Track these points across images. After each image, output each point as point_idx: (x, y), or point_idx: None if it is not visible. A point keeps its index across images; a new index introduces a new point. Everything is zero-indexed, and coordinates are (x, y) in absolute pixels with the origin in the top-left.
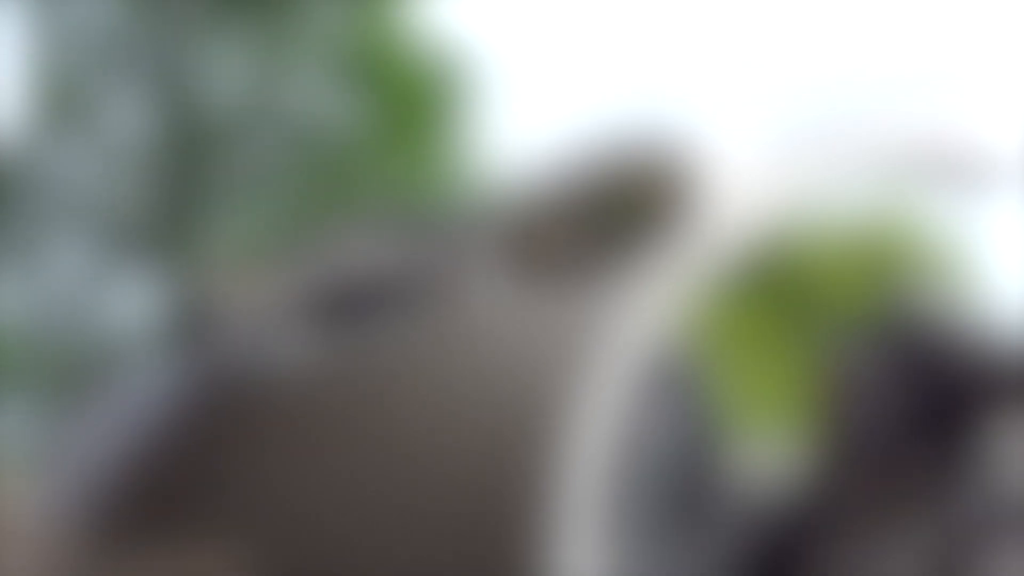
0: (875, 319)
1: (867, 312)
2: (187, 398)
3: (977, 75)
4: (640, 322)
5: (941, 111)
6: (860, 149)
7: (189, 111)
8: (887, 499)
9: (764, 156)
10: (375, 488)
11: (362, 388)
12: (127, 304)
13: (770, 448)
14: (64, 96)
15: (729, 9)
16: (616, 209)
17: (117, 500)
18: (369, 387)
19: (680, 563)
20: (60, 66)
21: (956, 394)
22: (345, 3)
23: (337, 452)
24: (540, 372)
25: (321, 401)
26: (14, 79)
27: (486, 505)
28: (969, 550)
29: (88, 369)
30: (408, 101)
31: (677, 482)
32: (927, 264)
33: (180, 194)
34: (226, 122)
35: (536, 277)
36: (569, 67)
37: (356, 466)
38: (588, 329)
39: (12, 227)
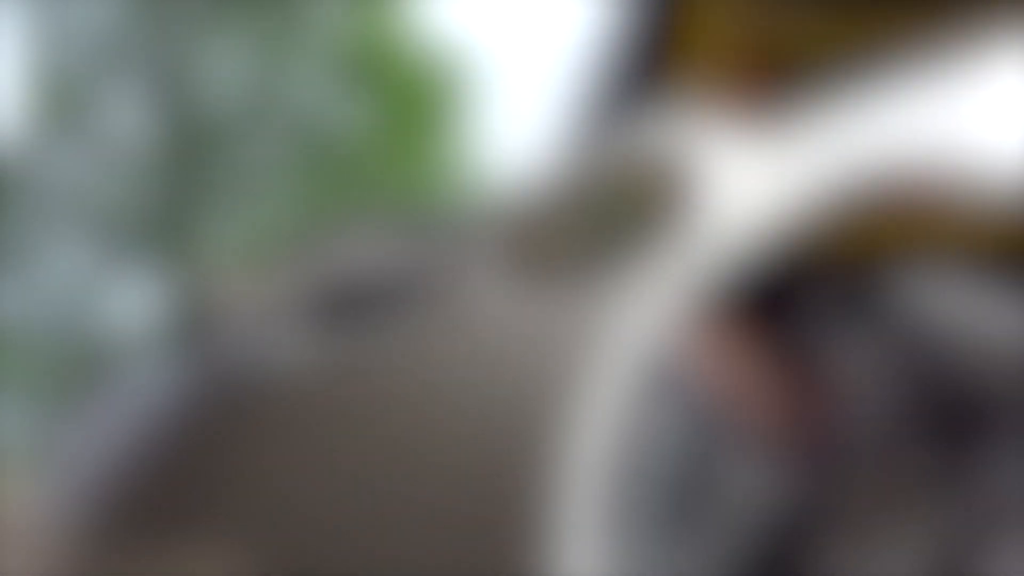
0: (873, 318)
1: (864, 311)
2: (187, 397)
3: (977, 74)
4: (641, 322)
5: (941, 111)
6: (859, 149)
7: (189, 111)
8: (887, 499)
9: (763, 156)
10: (375, 488)
11: (362, 388)
12: (127, 304)
13: (771, 447)
14: (64, 97)
15: None
16: (616, 209)
17: (117, 500)
18: (369, 387)
19: (681, 563)
20: (60, 67)
21: (957, 394)
22: (345, 3)
23: (337, 452)
24: (541, 372)
25: (321, 401)
26: (14, 79)
27: (487, 505)
28: (970, 550)
29: (88, 369)
30: (408, 101)
31: (678, 482)
32: (925, 262)
33: (180, 194)
34: (226, 122)
35: (536, 277)
36: (568, 68)
37: (356, 466)
38: (589, 329)
39: (12, 227)
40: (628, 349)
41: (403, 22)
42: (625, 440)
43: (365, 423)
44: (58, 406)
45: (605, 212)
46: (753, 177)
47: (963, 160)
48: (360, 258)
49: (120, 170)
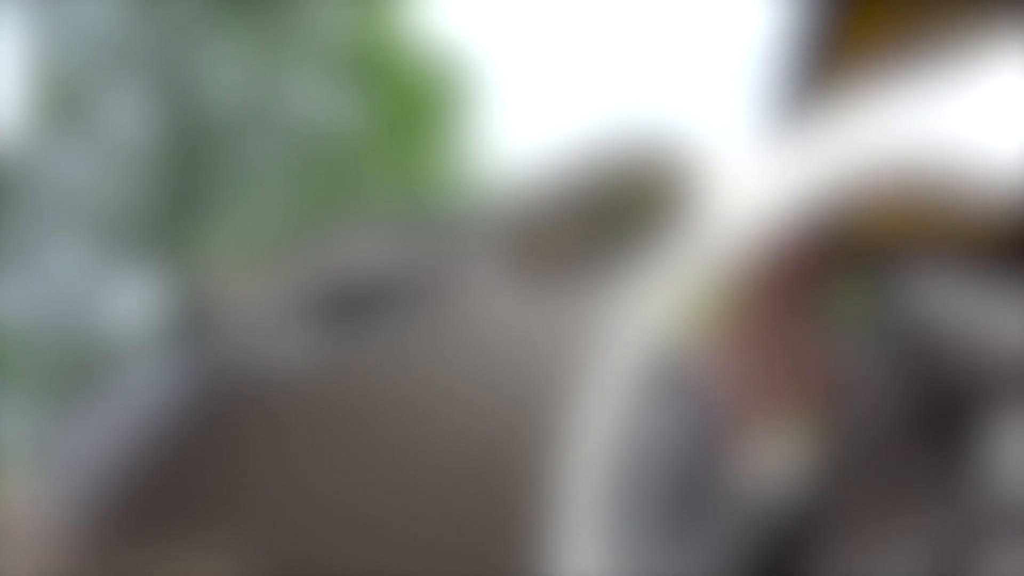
0: (874, 318)
1: (866, 311)
2: (187, 397)
3: (977, 74)
4: (641, 322)
5: (941, 111)
6: (861, 149)
7: (189, 111)
8: (888, 499)
9: (761, 155)
10: (375, 487)
11: (362, 388)
12: (127, 304)
13: (771, 448)
14: (64, 96)
15: (726, 11)
16: (615, 209)
17: (117, 500)
18: (369, 387)
19: (682, 563)
20: (60, 66)
21: (957, 394)
22: (345, 3)
23: (337, 452)
24: (541, 372)
25: (321, 401)
26: (14, 79)
27: (487, 505)
28: (969, 550)
29: (88, 369)
30: (408, 101)
31: (679, 482)
32: (926, 261)
33: (180, 194)
34: (226, 122)
35: (536, 277)
36: (568, 67)
37: (356, 466)
38: (589, 329)
39: (12, 227)
40: (629, 348)
41: (403, 23)
42: (626, 440)
43: (365, 423)
44: (58, 406)
45: (606, 212)
46: (756, 176)
47: (963, 160)
48: (360, 258)
49: (120, 170)
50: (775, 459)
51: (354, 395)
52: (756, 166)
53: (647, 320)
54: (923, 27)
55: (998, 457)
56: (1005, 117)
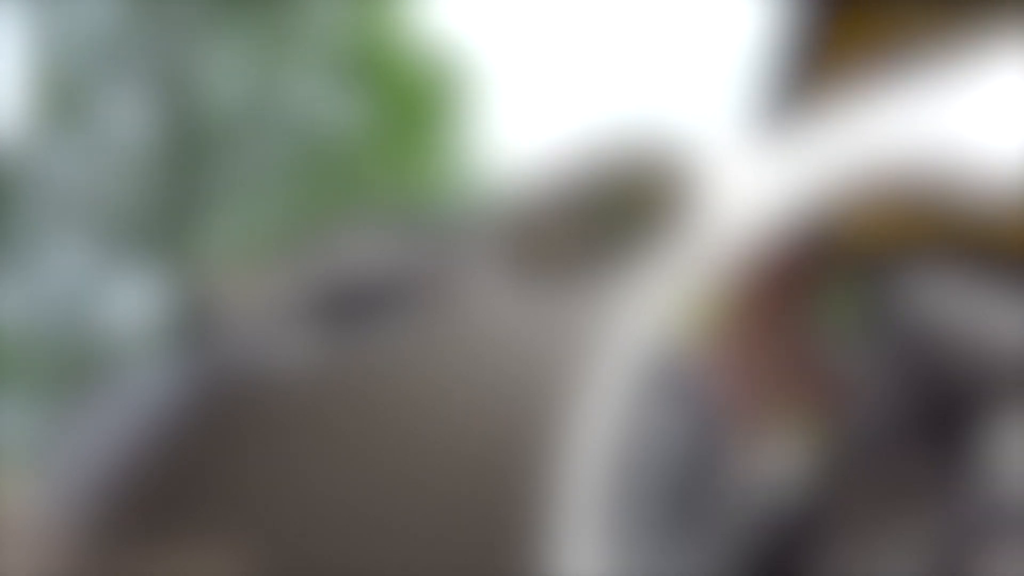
0: (874, 318)
1: (866, 311)
2: (187, 397)
3: (977, 74)
4: (641, 322)
5: (941, 111)
6: (861, 149)
7: (189, 111)
8: (888, 499)
9: (759, 156)
10: (375, 488)
11: (362, 388)
12: (127, 304)
13: (771, 448)
14: (64, 96)
15: (722, 12)
16: (616, 209)
17: (117, 500)
18: (369, 387)
19: (682, 563)
20: (60, 66)
21: (957, 393)
22: (345, 3)
23: (337, 452)
24: (541, 372)
25: (321, 401)
26: (14, 79)
27: (487, 505)
28: (969, 550)
29: (88, 369)
30: (408, 101)
31: (679, 482)
32: (926, 261)
33: (180, 194)
34: (226, 122)
35: (536, 277)
36: (567, 68)
37: (356, 466)
38: (589, 329)
39: (12, 227)
40: (629, 348)
41: (402, 23)
42: (626, 439)
43: (365, 423)
44: (58, 406)
45: (605, 212)
46: (756, 176)
47: (962, 160)
48: (360, 258)
49: (120, 170)
50: (775, 459)
51: (354, 395)
52: (754, 167)
53: (646, 320)
54: (922, 27)
55: (998, 457)
56: (1005, 117)
